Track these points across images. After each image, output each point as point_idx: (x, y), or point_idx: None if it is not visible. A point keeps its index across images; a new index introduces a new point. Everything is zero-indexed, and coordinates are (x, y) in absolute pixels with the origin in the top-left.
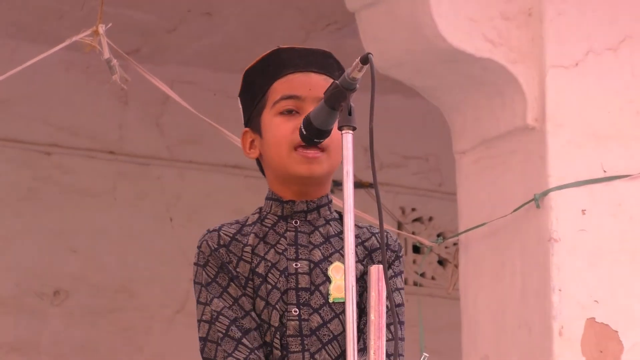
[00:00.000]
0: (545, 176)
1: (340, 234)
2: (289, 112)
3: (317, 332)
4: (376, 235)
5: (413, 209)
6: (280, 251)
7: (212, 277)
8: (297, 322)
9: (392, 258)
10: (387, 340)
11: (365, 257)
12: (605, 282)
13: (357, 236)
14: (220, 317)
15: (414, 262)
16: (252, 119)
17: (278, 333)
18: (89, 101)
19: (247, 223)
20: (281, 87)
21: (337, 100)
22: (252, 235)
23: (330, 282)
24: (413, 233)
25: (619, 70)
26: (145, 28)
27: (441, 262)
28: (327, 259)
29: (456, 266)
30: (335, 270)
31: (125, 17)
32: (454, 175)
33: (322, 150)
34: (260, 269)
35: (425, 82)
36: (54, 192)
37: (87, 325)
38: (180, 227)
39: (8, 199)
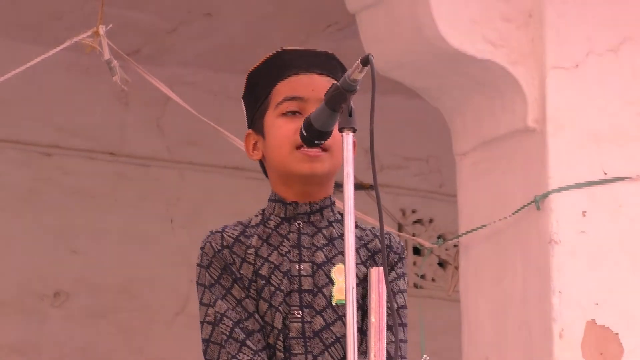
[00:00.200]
0: (545, 178)
1: (343, 236)
2: (292, 114)
3: (320, 334)
4: (379, 237)
5: (413, 211)
6: (284, 253)
7: (216, 278)
8: (300, 324)
9: (396, 260)
10: (389, 343)
11: (369, 259)
12: (605, 284)
13: (360, 238)
14: (224, 318)
15: (415, 263)
16: (255, 121)
17: (281, 335)
18: (89, 102)
19: (250, 225)
20: (284, 88)
21: (337, 101)
22: (255, 237)
23: (333, 284)
24: (413, 235)
25: (619, 71)
26: (146, 29)
27: (441, 263)
28: (330, 261)
29: (456, 268)
30: (338, 272)
31: (126, 18)
32: (454, 176)
33: (324, 150)
34: (264, 271)
35: (425, 83)
36: (54, 193)
37: (87, 326)
38: (181, 228)
39: (8, 200)
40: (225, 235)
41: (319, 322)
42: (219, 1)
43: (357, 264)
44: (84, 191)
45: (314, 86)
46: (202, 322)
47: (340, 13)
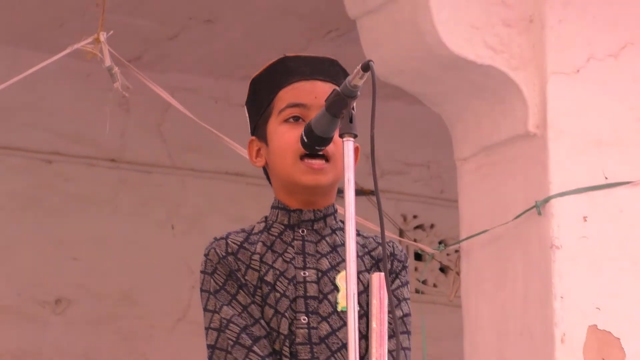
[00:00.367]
0: (546, 183)
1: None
2: (295, 120)
3: (326, 340)
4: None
5: (414, 216)
6: (288, 260)
7: (221, 284)
8: (306, 330)
9: (400, 268)
10: (391, 351)
11: (373, 266)
12: (607, 289)
13: (363, 246)
14: (230, 324)
15: (416, 269)
16: (258, 128)
17: (287, 341)
18: (90, 109)
19: (254, 232)
20: (287, 95)
21: (338, 107)
22: (259, 243)
23: (338, 290)
24: (415, 240)
25: (620, 76)
26: (147, 35)
27: (443, 269)
28: (335, 268)
29: (458, 273)
30: (343, 279)
31: (127, 24)
32: (455, 182)
33: (327, 160)
34: (269, 277)
35: (426, 89)
36: (55, 200)
37: (88, 333)
38: (182, 235)
39: (9, 207)
40: (229, 242)
41: (324, 328)
42: (220, 8)
43: (361, 272)
44: (85, 198)
45: (317, 93)
46: (207, 329)
47: (341, 19)
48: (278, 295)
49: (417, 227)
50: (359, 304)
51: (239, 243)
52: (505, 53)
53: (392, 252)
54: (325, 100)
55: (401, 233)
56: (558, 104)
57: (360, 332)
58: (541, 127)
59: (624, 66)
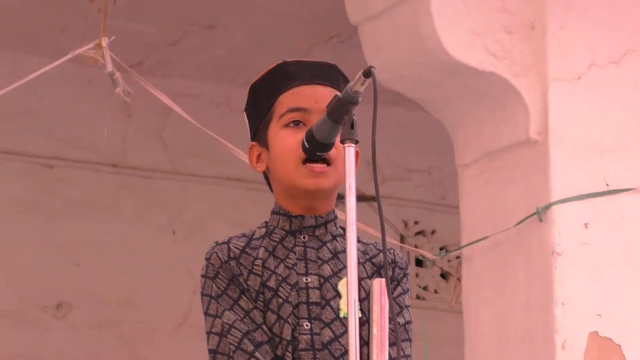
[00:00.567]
0: (547, 189)
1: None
2: (296, 124)
3: (329, 347)
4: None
5: (416, 222)
6: (290, 265)
7: (223, 289)
8: (309, 337)
9: (401, 275)
10: (393, 359)
11: (374, 273)
12: (608, 295)
13: (364, 252)
14: (233, 329)
15: (417, 275)
16: (258, 133)
17: (290, 347)
18: (91, 114)
19: (255, 237)
20: (287, 99)
21: (339, 113)
22: (262, 248)
23: (340, 297)
24: (415, 246)
25: (621, 83)
26: (148, 41)
27: (444, 275)
28: (337, 274)
29: (459, 279)
30: (345, 286)
31: (128, 30)
32: (456, 188)
33: (329, 164)
34: (271, 283)
35: (427, 95)
36: (56, 205)
37: (90, 338)
38: (183, 240)
39: (11, 212)
40: (231, 247)
41: (327, 334)
42: (222, 13)
43: (363, 278)
44: (86, 203)
45: (317, 97)
46: (208, 333)
47: (343, 25)
48: (280, 300)
49: (418, 233)
50: (361, 310)
51: (241, 248)
52: (506, 59)
53: (393, 259)
54: (327, 106)
55: (402, 239)
56: (559, 111)
57: (362, 338)
58: (542, 133)
59: (625, 73)
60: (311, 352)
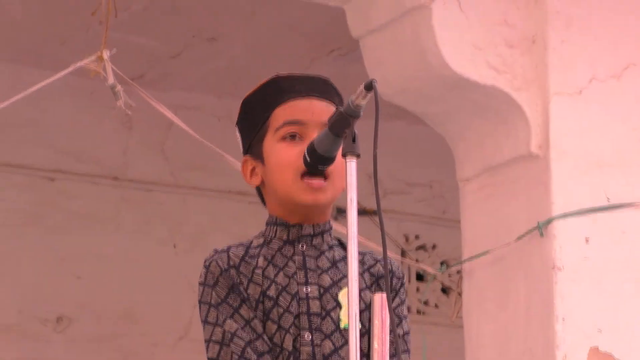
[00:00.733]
0: (548, 204)
1: (345, 259)
2: (292, 138)
3: (330, 358)
4: (380, 262)
5: (417, 237)
6: (290, 275)
7: (223, 297)
8: (310, 348)
9: (398, 285)
10: None
11: (373, 283)
12: (609, 310)
13: (361, 262)
14: (235, 338)
15: (418, 290)
16: (252, 147)
17: (292, 357)
18: (93, 127)
19: (253, 245)
20: (283, 113)
21: (341, 127)
22: (261, 257)
23: (340, 307)
24: (417, 261)
25: (622, 97)
26: (150, 54)
27: (445, 290)
28: (337, 284)
29: (460, 294)
30: (345, 296)
31: (130, 42)
32: (457, 202)
33: (326, 178)
34: (271, 292)
35: (429, 109)
36: (57, 218)
37: (90, 351)
38: (184, 253)
39: (11, 224)
40: (231, 255)
41: (328, 346)
42: (223, 26)
43: (362, 289)
44: (87, 216)
45: (313, 110)
46: (207, 341)
47: (344, 38)
48: (281, 310)
49: (419, 248)
50: (360, 321)
51: (240, 256)
52: (507, 73)
53: (390, 269)
54: (328, 120)
55: (403, 253)
56: (560, 125)
57: (361, 350)
58: (544, 147)
59: (627, 87)
60: None
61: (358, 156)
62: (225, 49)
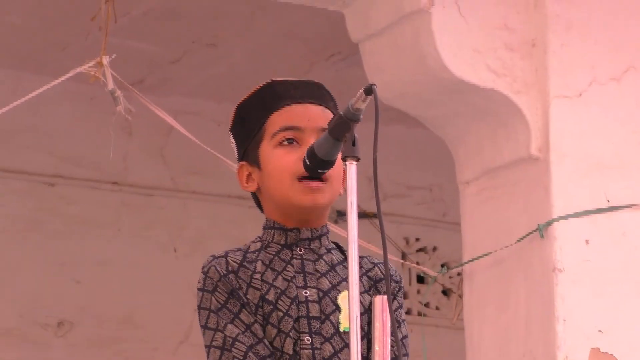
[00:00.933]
0: (549, 206)
1: (343, 262)
2: (289, 143)
3: None
4: (378, 265)
5: (417, 239)
6: (289, 278)
7: (222, 303)
8: (311, 351)
9: (396, 289)
10: None
11: (371, 287)
12: (609, 312)
13: (360, 266)
14: (237, 343)
15: (418, 292)
16: (248, 152)
17: None
18: (92, 132)
19: (250, 250)
20: (279, 118)
21: (341, 130)
22: (259, 262)
23: (339, 311)
24: (417, 263)
25: (622, 100)
26: (150, 59)
27: (445, 292)
28: (336, 288)
29: (460, 296)
30: (344, 299)
31: (129, 48)
32: (457, 205)
33: (324, 180)
34: (270, 296)
35: (428, 112)
36: (57, 223)
37: (91, 356)
38: (185, 258)
39: (12, 230)
40: (229, 260)
41: (327, 349)
42: (223, 31)
43: (360, 293)
44: (87, 221)
45: (310, 115)
46: (208, 347)
47: (344, 42)
48: (281, 314)
49: (419, 250)
50: (360, 325)
51: (238, 261)
52: (507, 77)
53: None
54: (328, 124)
55: (403, 256)
56: (560, 128)
57: (361, 353)
58: (544, 150)
59: (627, 90)
60: None
61: (358, 160)
62: (225, 55)
